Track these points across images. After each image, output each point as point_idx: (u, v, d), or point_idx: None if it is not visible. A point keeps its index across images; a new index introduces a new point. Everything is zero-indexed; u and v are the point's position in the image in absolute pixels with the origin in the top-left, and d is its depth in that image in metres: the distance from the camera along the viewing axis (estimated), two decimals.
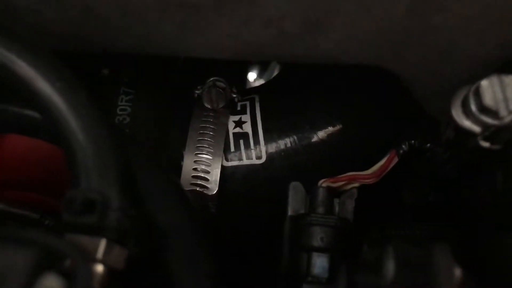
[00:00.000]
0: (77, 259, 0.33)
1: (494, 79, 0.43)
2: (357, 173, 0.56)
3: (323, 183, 0.55)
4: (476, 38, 0.48)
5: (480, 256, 0.44)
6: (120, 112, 0.60)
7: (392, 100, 0.60)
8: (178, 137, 0.60)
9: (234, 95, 0.62)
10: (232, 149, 0.60)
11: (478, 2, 0.45)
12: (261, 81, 0.96)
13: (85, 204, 0.36)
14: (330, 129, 0.60)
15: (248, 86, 0.82)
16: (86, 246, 0.35)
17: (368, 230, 0.54)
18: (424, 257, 0.39)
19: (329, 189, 0.54)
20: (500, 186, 0.46)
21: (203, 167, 0.58)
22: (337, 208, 0.54)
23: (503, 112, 0.42)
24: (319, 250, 0.51)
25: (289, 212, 0.54)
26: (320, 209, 0.53)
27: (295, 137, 0.60)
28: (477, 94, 0.43)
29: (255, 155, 0.60)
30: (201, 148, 0.58)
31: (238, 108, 0.62)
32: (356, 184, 0.55)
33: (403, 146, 0.56)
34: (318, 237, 0.51)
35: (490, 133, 0.43)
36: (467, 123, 0.44)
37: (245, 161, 0.60)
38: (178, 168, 0.58)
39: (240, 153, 0.60)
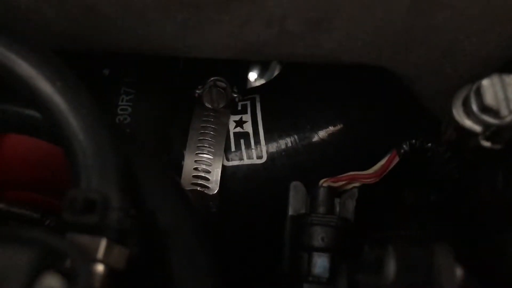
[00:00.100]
0: (77, 259, 0.33)
1: (495, 78, 0.42)
2: (358, 172, 0.56)
3: (324, 182, 0.55)
4: (477, 37, 0.47)
5: (481, 256, 0.44)
6: (121, 112, 0.60)
7: (393, 99, 0.60)
8: (179, 137, 0.60)
9: (235, 95, 0.62)
10: (233, 148, 0.60)
11: (479, 1, 0.44)
12: (262, 81, 0.96)
13: (85, 204, 0.36)
14: (331, 128, 0.60)
15: (249, 86, 0.82)
16: (86, 245, 0.35)
17: (369, 230, 0.54)
18: (425, 257, 0.39)
19: (330, 189, 0.54)
20: (501, 185, 0.45)
21: (204, 166, 0.58)
22: (338, 208, 0.54)
23: (504, 111, 0.42)
24: (319, 250, 0.51)
25: (290, 212, 0.54)
26: (321, 209, 0.53)
27: (296, 137, 0.60)
28: (478, 94, 0.43)
29: (256, 154, 0.60)
30: (202, 147, 0.58)
31: (239, 108, 0.62)
32: (357, 184, 0.55)
33: (404, 146, 0.56)
34: (318, 237, 0.51)
35: (491, 132, 0.43)
36: (468, 123, 0.44)
37: (246, 161, 0.60)
38: (179, 168, 0.58)
39: (241, 152, 0.60)
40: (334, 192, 0.55)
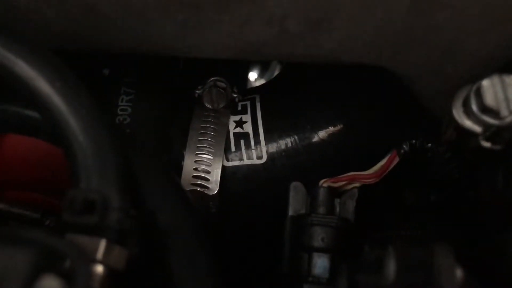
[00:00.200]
0: (76, 260, 0.33)
1: (495, 79, 0.42)
2: (358, 173, 0.56)
3: (324, 183, 0.55)
4: (477, 37, 0.47)
5: (482, 256, 0.44)
6: (121, 112, 0.60)
7: (393, 100, 0.60)
8: (179, 137, 0.60)
9: (235, 95, 0.62)
10: (233, 149, 0.60)
11: (479, 1, 0.44)
12: (262, 81, 0.96)
13: (85, 204, 0.36)
14: (331, 129, 0.60)
15: (249, 86, 0.82)
16: (86, 246, 0.35)
17: (369, 230, 0.54)
18: (425, 257, 0.39)
19: (330, 189, 0.54)
20: (501, 186, 0.45)
21: (204, 167, 0.58)
22: (338, 208, 0.54)
23: (504, 112, 0.42)
24: (320, 250, 0.51)
25: (290, 212, 0.54)
26: (321, 209, 0.53)
27: (296, 137, 0.60)
28: (478, 94, 0.43)
29: (256, 155, 0.60)
30: (201, 148, 0.58)
31: (239, 108, 0.62)
32: (357, 184, 0.55)
33: (404, 146, 0.56)
34: (319, 237, 0.51)
35: (491, 133, 0.43)
36: (468, 123, 0.44)
37: (246, 161, 0.60)
38: (179, 168, 0.58)
39: (241, 153, 0.60)
40: (334, 193, 0.55)
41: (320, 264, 0.50)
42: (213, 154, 0.58)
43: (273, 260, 0.55)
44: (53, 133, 0.41)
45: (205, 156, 0.58)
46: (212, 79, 0.61)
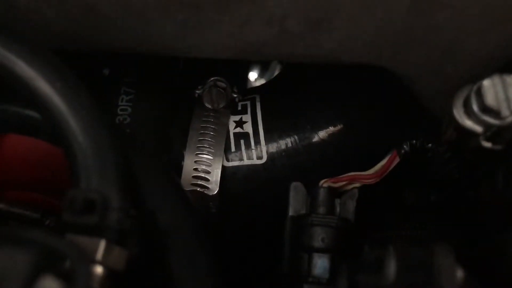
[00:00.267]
0: (76, 260, 0.32)
1: (496, 79, 0.42)
2: (358, 173, 0.56)
3: (324, 183, 0.55)
4: (478, 37, 0.47)
5: (482, 256, 0.44)
6: (121, 112, 0.60)
7: (393, 100, 0.60)
8: (179, 137, 0.60)
9: (235, 95, 0.62)
10: (233, 149, 0.60)
11: (479, 1, 0.44)
12: (262, 81, 0.96)
13: (85, 204, 0.36)
14: (331, 129, 0.60)
15: (249, 86, 0.82)
16: (86, 246, 0.35)
17: (369, 230, 0.54)
18: (425, 257, 0.39)
19: (330, 189, 0.54)
20: (501, 186, 0.45)
21: (204, 167, 0.58)
22: (338, 209, 0.54)
23: (505, 112, 0.42)
24: (320, 250, 0.51)
25: (290, 213, 0.54)
26: (321, 210, 0.53)
27: (296, 137, 0.60)
28: (479, 94, 0.43)
29: (256, 155, 0.60)
30: (201, 148, 0.58)
31: (239, 108, 0.62)
32: (357, 184, 0.55)
33: (405, 146, 0.56)
34: (319, 237, 0.51)
35: (492, 133, 0.43)
36: (468, 123, 0.44)
37: (246, 161, 0.60)
38: (179, 168, 0.58)
39: (241, 153, 0.60)
40: (334, 193, 0.55)
41: (320, 264, 0.50)
42: (213, 154, 0.58)
43: (273, 260, 0.55)
44: (53, 133, 0.41)
45: (205, 156, 0.58)
46: (212, 79, 0.61)
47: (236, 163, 0.60)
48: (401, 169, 0.56)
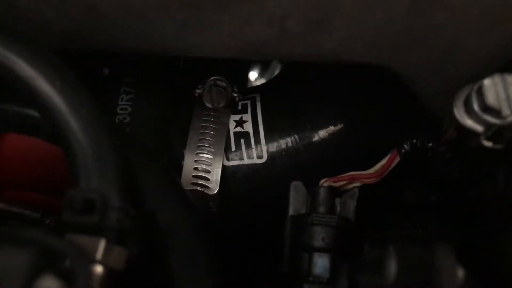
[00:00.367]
0: (76, 260, 0.32)
1: (497, 78, 0.42)
2: (359, 172, 0.56)
3: (324, 182, 0.55)
4: (478, 37, 0.47)
5: (482, 256, 0.44)
6: (121, 112, 0.59)
7: (393, 99, 0.60)
8: (179, 136, 0.60)
9: (235, 94, 0.62)
10: (233, 148, 0.60)
11: (479, 1, 0.44)
12: (262, 80, 0.96)
13: (85, 204, 0.36)
14: (331, 128, 0.60)
15: (249, 85, 0.82)
16: (85, 246, 0.35)
17: (370, 230, 0.54)
18: (426, 257, 0.39)
19: (330, 188, 0.54)
20: (502, 185, 0.45)
21: (204, 166, 0.58)
22: (338, 208, 0.54)
23: (505, 111, 0.42)
24: (320, 250, 0.51)
25: (290, 212, 0.54)
26: (321, 209, 0.53)
27: (296, 137, 0.60)
28: (480, 93, 0.43)
29: (256, 154, 0.60)
30: (202, 147, 0.58)
31: (239, 108, 0.62)
32: (358, 184, 0.55)
33: (405, 146, 0.56)
34: (319, 237, 0.51)
35: (493, 132, 0.43)
36: (469, 123, 0.44)
37: (246, 161, 0.60)
38: (179, 168, 0.58)
39: (241, 152, 0.60)
40: (334, 192, 0.55)
41: (321, 263, 0.50)
42: (213, 153, 0.58)
43: (273, 260, 0.55)
44: (53, 133, 0.41)
45: (205, 155, 0.58)
46: (212, 78, 0.61)
47: (236, 162, 0.60)
48: (401, 168, 0.56)
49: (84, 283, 0.32)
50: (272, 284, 0.58)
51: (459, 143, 0.47)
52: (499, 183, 0.45)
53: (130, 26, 0.49)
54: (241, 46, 0.51)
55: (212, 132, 0.59)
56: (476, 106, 0.43)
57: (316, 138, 0.60)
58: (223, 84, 0.61)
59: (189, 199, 0.47)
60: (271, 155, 0.60)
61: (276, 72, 0.93)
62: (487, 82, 0.42)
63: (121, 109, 0.60)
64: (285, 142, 0.60)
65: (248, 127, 0.60)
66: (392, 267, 0.38)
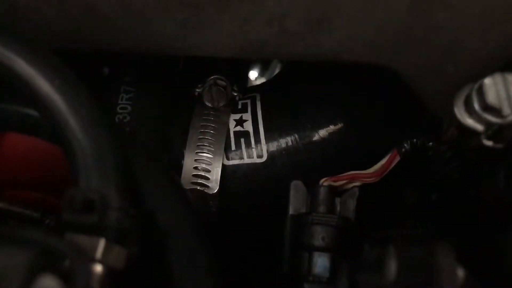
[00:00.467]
0: (75, 259, 0.32)
1: (497, 77, 0.42)
2: (359, 172, 0.55)
3: (325, 182, 0.55)
4: (478, 37, 0.47)
5: (482, 255, 0.44)
6: (120, 111, 0.59)
7: (393, 98, 0.60)
8: (179, 136, 0.60)
9: (235, 94, 0.62)
10: (233, 148, 0.60)
11: (479, 1, 0.44)
12: (262, 80, 0.96)
13: (84, 203, 0.36)
14: (332, 127, 0.60)
15: (249, 85, 0.82)
16: (85, 245, 0.35)
17: (370, 230, 0.54)
18: (426, 256, 0.39)
19: (330, 188, 0.54)
20: (502, 185, 0.45)
21: (204, 166, 0.58)
22: (338, 207, 0.54)
23: (506, 110, 0.42)
24: (320, 249, 0.50)
25: (290, 211, 0.54)
26: (322, 208, 0.53)
27: (296, 136, 0.60)
28: (480, 93, 0.43)
29: (256, 154, 0.60)
30: (201, 147, 0.58)
31: (239, 107, 0.62)
32: (358, 183, 0.55)
33: (405, 145, 0.56)
34: (319, 236, 0.51)
35: (493, 131, 0.43)
36: (470, 122, 0.44)
37: (246, 160, 0.60)
38: (179, 167, 0.58)
39: (241, 152, 0.60)
40: (334, 191, 0.55)
41: (321, 263, 0.50)
42: (213, 153, 0.58)
43: (273, 259, 0.55)
44: (53, 132, 0.41)
45: (205, 155, 0.58)
46: (212, 77, 0.61)
47: (236, 161, 0.60)
48: (401, 168, 0.56)
49: (83, 283, 0.32)
50: (272, 284, 0.58)
51: (460, 142, 0.47)
52: (499, 183, 0.45)
53: (130, 25, 0.49)
54: (241, 45, 0.51)
55: (212, 131, 0.59)
56: (476, 105, 0.43)
57: (316, 137, 0.59)
58: (223, 83, 0.61)
59: (189, 199, 0.47)
60: (271, 155, 0.60)
61: (276, 71, 0.93)
62: (487, 81, 0.42)
63: (121, 108, 0.60)
64: (285, 141, 0.60)
65: (248, 126, 0.60)
66: (392, 267, 0.38)
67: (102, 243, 0.35)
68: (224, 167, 0.59)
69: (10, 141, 0.51)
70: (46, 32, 0.49)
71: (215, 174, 0.58)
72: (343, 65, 0.54)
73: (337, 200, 0.54)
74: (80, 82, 0.42)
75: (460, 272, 0.38)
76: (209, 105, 0.61)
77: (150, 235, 0.42)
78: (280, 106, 0.62)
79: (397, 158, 0.56)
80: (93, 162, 0.39)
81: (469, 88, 0.44)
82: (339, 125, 0.59)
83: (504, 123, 0.42)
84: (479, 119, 0.43)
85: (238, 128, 0.60)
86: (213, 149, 0.58)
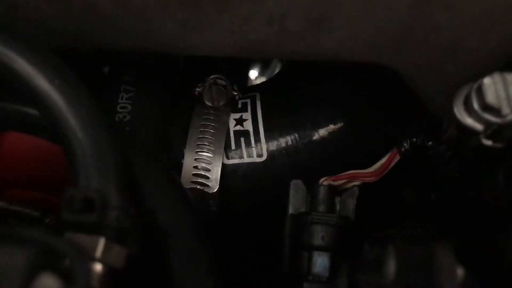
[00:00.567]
0: (75, 258, 0.32)
1: (497, 77, 0.42)
2: (358, 171, 0.55)
3: (324, 181, 0.55)
4: (478, 37, 0.47)
5: (482, 255, 0.44)
6: (120, 110, 0.59)
7: (393, 98, 0.60)
8: (179, 135, 0.60)
9: (235, 93, 0.62)
10: (233, 147, 0.60)
11: (479, 1, 0.44)
12: (263, 79, 0.96)
13: (84, 202, 0.36)
14: (331, 127, 0.60)
15: (249, 84, 0.82)
16: (85, 244, 0.35)
17: (369, 229, 0.54)
18: (426, 256, 0.39)
19: (330, 187, 0.54)
20: (502, 185, 0.45)
21: (204, 165, 0.58)
22: (338, 207, 0.54)
23: (505, 110, 0.42)
24: (320, 249, 0.50)
25: (290, 211, 0.54)
26: (321, 208, 0.53)
27: (296, 135, 0.60)
28: (480, 92, 0.43)
29: (256, 153, 0.60)
30: (201, 146, 0.58)
31: (239, 106, 0.62)
32: (357, 183, 0.55)
33: (405, 144, 0.56)
34: (319, 235, 0.51)
35: (493, 131, 0.43)
36: (469, 121, 0.44)
37: (246, 159, 0.60)
38: (179, 166, 0.58)
39: (241, 151, 0.60)
40: (334, 191, 0.55)
41: (320, 262, 0.50)
42: (213, 152, 0.58)
43: (273, 259, 0.55)
44: (53, 132, 0.41)
45: (205, 154, 0.58)
46: (212, 77, 0.61)
47: (236, 161, 0.60)
48: (401, 167, 0.56)
49: (83, 282, 0.32)
50: (272, 283, 0.58)
51: (459, 142, 0.47)
52: (499, 182, 0.45)
53: (130, 25, 0.49)
54: (241, 45, 0.51)
55: (212, 131, 0.59)
56: (476, 105, 0.43)
57: (316, 136, 0.60)
58: (223, 82, 0.61)
59: (189, 198, 0.47)
60: (271, 154, 0.60)
61: (276, 70, 0.93)
62: (487, 80, 0.42)
63: (121, 107, 0.60)
64: (285, 140, 0.60)
65: (248, 125, 0.60)
66: (391, 266, 0.38)
67: (102, 242, 0.35)
68: (224, 166, 0.59)
69: (10, 140, 0.51)
70: (46, 31, 0.49)
71: (215, 173, 0.58)
72: (343, 65, 0.54)
73: (337, 199, 0.54)
74: (80, 81, 0.42)
75: (460, 272, 0.38)
76: (209, 104, 0.61)
77: (150, 235, 0.42)
78: (280, 106, 0.62)
79: (397, 158, 0.56)
80: (93, 161, 0.39)
81: (469, 88, 0.44)
82: (339, 125, 0.59)
83: (503, 122, 0.42)
84: (478, 118, 0.43)
85: (238, 127, 0.60)
86: (213, 148, 0.58)
